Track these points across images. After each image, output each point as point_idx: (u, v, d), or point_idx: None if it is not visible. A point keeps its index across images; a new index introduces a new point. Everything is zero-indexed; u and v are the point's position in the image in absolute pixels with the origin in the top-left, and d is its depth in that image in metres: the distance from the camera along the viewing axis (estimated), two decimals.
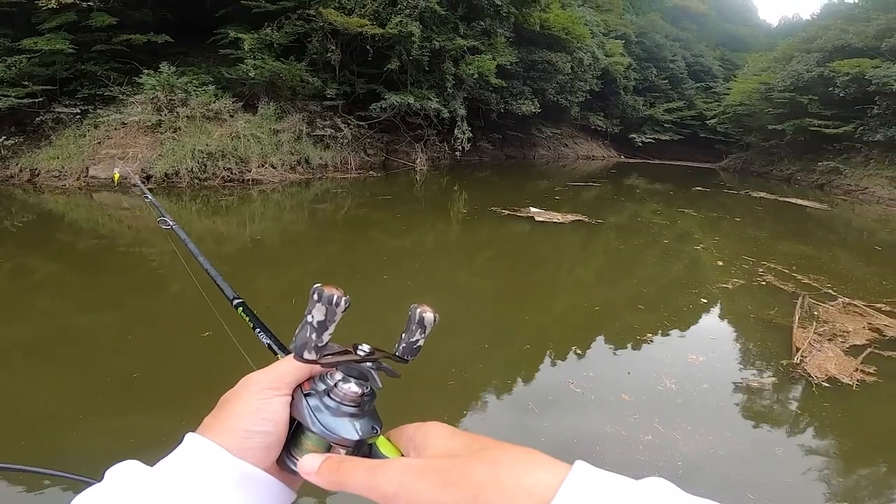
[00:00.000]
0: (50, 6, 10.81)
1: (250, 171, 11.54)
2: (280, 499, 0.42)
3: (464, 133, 17.48)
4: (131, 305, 5.10)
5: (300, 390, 0.42)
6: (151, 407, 3.33)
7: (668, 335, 4.97)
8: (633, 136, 32.46)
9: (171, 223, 0.81)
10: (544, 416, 3.51)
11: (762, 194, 16.98)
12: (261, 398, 0.41)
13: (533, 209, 10.27)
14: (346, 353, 0.41)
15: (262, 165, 11.97)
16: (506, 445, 0.34)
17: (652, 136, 32.64)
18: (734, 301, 5.91)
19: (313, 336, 0.39)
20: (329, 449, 0.40)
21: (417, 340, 0.43)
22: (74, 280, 5.93)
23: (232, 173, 11.36)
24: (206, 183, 10.80)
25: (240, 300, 0.58)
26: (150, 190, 8.64)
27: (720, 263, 7.40)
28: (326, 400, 0.40)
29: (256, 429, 0.40)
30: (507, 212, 10.07)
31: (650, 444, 3.19)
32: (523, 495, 0.29)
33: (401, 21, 13.91)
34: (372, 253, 7.57)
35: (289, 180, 12.17)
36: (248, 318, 0.55)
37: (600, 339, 4.88)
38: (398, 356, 0.43)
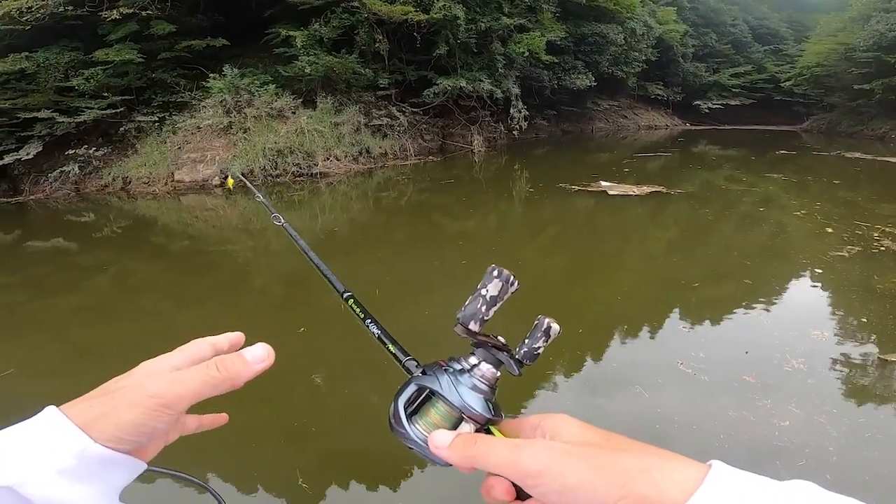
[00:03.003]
0: (112, 17, 11.42)
1: (317, 165, 11.83)
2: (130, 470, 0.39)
3: (520, 112, 17.10)
4: (224, 301, 5.32)
5: (440, 366, 0.42)
6: (260, 403, 3.42)
7: (783, 310, 4.55)
8: (699, 102, 30.93)
9: (281, 220, 0.86)
10: (656, 401, 3.29)
11: (857, 154, 15.39)
12: (150, 413, 0.37)
13: (604, 183, 9.81)
14: (489, 337, 0.43)
15: (328, 159, 12.24)
16: (647, 445, 0.34)
17: (720, 102, 30.98)
18: (853, 270, 5.33)
19: (483, 308, 0.41)
20: (456, 426, 0.40)
21: (539, 347, 0.43)
22: (171, 279, 6.28)
23: (301, 168, 11.69)
24: (278, 179, 11.18)
25: (349, 293, 0.59)
26: (228, 191, 8.94)
27: (829, 230, 6.71)
28: (464, 377, 0.41)
29: (129, 438, 0.37)
30: (576, 187, 9.67)
31: (790, 430, 2.89)
32: (671, 486, 0.30)
33: (444, 5, 13.71)
34: (442, 237, 7.51)
35: (353, 171, 12.38)
36: (358, 310, 0.55)
37: (705, 316, 4.54)
38: (517, 359, 0.43)
